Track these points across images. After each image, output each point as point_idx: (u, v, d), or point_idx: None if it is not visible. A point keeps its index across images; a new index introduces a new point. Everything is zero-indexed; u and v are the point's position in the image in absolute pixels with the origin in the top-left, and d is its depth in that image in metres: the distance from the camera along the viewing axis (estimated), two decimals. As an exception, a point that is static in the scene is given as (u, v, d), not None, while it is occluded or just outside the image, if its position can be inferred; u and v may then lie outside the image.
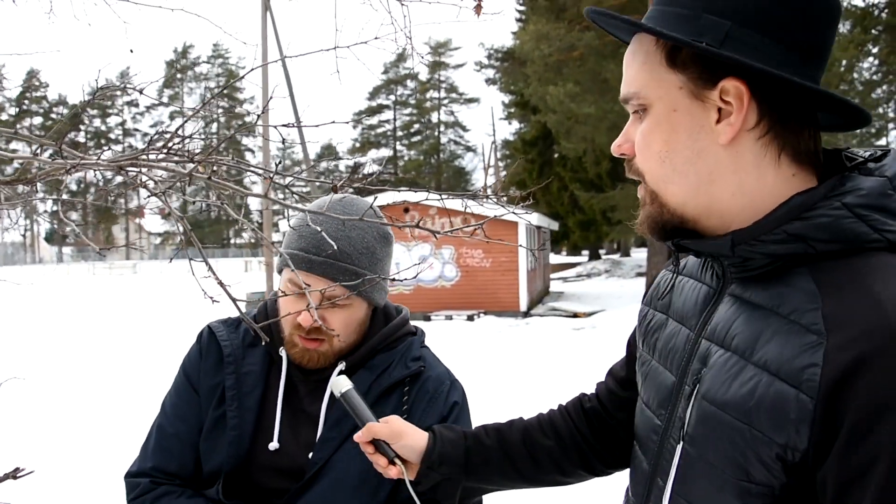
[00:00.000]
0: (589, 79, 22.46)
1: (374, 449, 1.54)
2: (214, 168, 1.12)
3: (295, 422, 1.77)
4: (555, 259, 48.46)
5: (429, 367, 1.84)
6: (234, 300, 1.39)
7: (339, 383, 1.62)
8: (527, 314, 21.08)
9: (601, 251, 54.35)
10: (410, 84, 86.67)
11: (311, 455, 1.71)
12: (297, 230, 1.75)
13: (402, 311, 1.93)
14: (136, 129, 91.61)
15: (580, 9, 22.65)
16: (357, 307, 1.78)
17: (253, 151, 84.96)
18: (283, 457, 1.73)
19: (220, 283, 1.29)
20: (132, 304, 25.85)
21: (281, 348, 1.80)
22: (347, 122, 1.50)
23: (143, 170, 1.12)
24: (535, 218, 19.54)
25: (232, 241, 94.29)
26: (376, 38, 2.04)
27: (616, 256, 51.26)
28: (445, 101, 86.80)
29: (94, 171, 1.06)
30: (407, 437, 1.55)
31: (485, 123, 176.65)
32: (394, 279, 1.55)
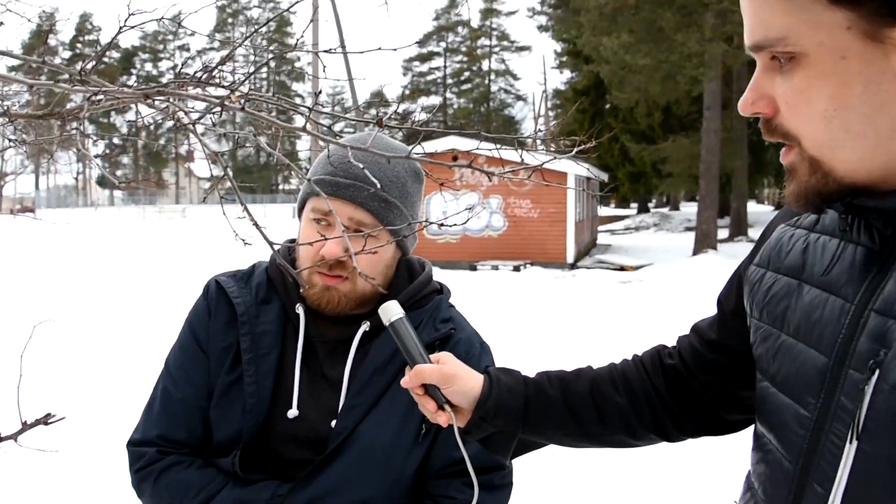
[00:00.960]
0: (643, 28, 21.97)
1: (423, 391, 1.38)
2: (248, 97, 1.03)
3: (314, 387, 1.62)
4: (603, 211, 48.04)
5: (459, 329, 1.71)
6: (269, 241, 1.32)
7: (390, 309, 1.40)
8: (573, 266, 20.94)
9: (650, 204, 53.85)
10: (462, 31, 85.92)
11: (333, 423, 1.58)
12: (325, 158, 1.62)
13: (426, 265, 1.78)
14: (187, 74, 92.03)
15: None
16: (385, 245, 1.63)
17: (302, 97, 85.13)
18: (302, 425, 1.59)
19: (255, 224, 1.22)
20: (180, 247, 26.22)
21: (298, 305, 1.65)
22: (395, 49, 1.39)
23: (173, 100, 1.04)
24: (585, 169, 19.31)
25: (281, 186, 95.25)
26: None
27: (665, 210, 50.74)
28: (496, 49, 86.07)
29: (118, 100, 0.99)
30: (460, 380, 1.36)
31: (536, 72, 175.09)
32: (427, 224, 1.43)
